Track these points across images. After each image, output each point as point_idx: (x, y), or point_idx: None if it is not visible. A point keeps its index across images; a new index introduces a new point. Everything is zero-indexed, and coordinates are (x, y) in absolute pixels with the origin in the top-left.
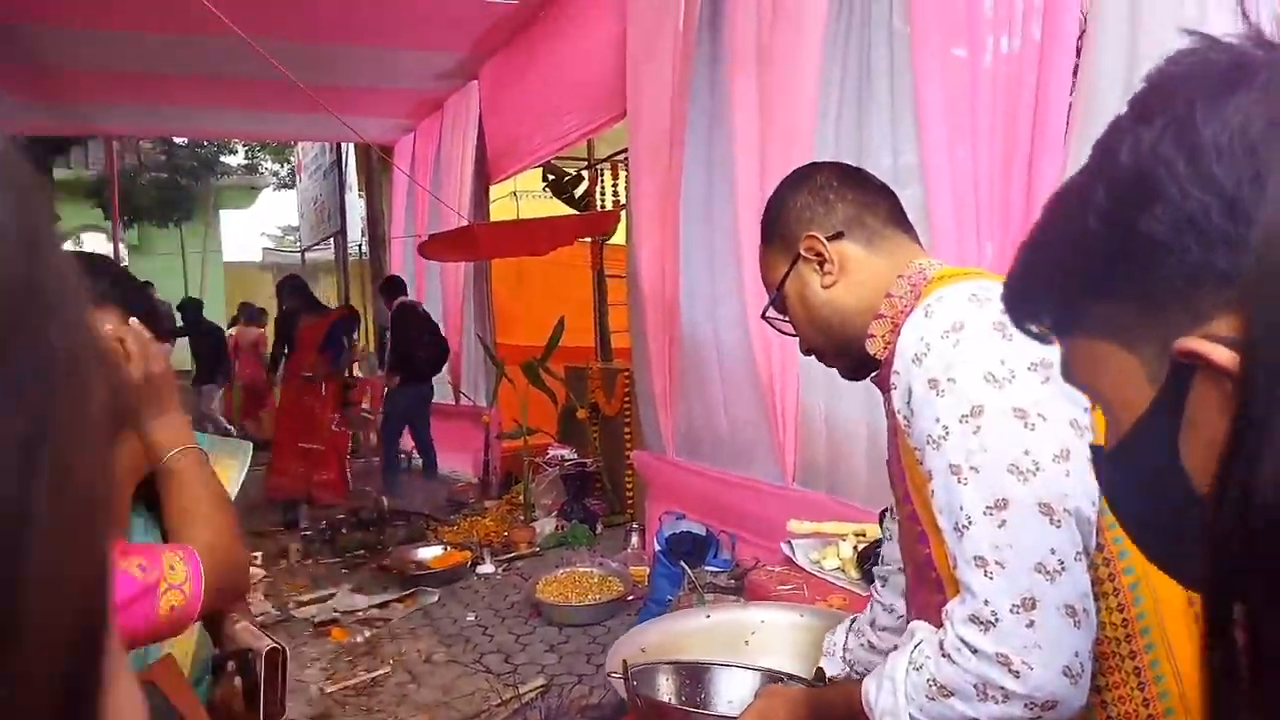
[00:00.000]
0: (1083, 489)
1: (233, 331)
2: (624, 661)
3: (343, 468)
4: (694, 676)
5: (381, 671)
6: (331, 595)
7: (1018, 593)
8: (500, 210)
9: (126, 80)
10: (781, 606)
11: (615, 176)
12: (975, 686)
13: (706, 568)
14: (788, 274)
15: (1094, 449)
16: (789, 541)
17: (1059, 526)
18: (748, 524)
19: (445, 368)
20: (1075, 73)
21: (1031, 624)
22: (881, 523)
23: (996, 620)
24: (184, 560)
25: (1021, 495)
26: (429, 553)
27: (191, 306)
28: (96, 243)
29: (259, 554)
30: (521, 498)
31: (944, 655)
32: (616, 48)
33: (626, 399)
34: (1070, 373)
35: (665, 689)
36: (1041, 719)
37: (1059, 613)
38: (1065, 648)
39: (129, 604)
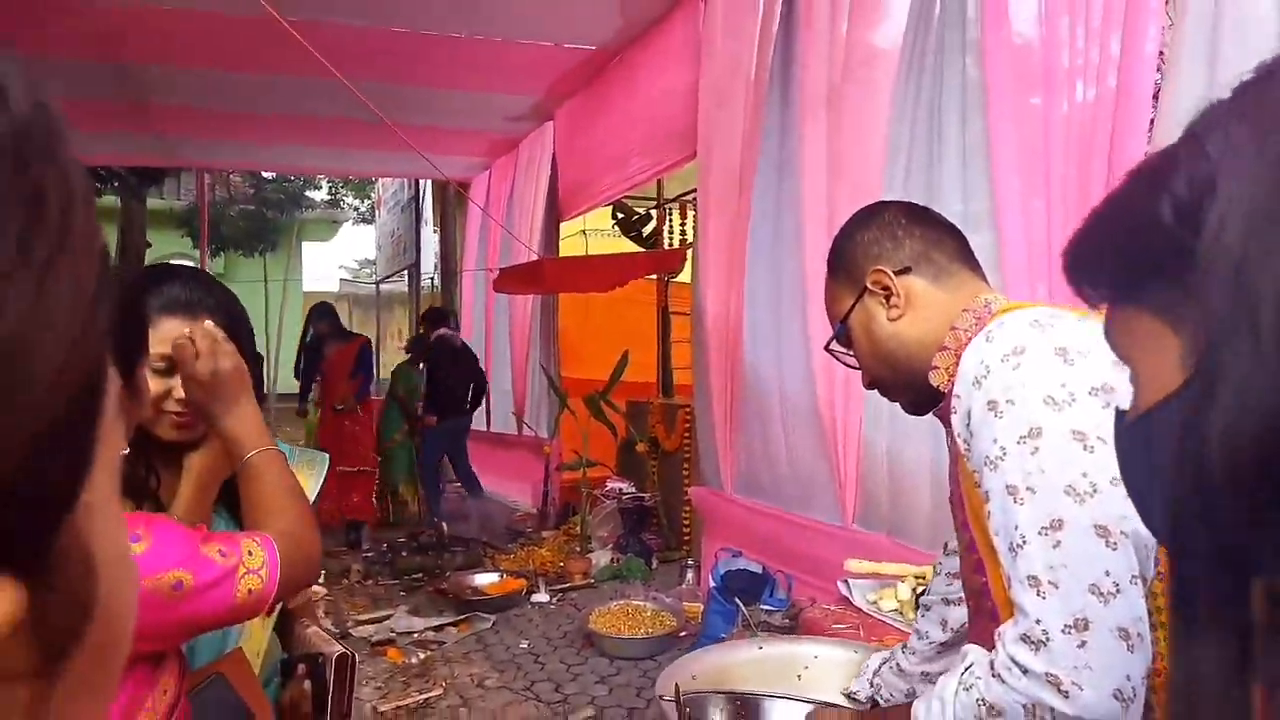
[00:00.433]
0: None
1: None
2: (676, 685)
3: (371, 490)
4: (746, 707)
5: (434, 693)
6: (389, 616)
7: (1070, 613)
8: (569, 247)
9: (217, 117)
10: (836, 642)
11: (683, 216)
12: (1024, 707)
13: (762, 606)
14: (853, 307)
15: (1117, 412)
16: (846, 580)
17: (1115, 549)
18: (805, 564)
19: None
20: (1151, 125)
21: (1083, 645)
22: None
23: (1048, 640)
24: (261, 546)
25: (1077, 516)
26: (485, 579)
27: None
28: None
29: (322, 571)
30: (579, 529)
31: (994, 675)
32: (688, 93)
33: (686, 435)
34: (1111, 335)
35: (716, 719)
36: None
37: (1112, 635)
38: (1117, 671)
39: (209, 587)
